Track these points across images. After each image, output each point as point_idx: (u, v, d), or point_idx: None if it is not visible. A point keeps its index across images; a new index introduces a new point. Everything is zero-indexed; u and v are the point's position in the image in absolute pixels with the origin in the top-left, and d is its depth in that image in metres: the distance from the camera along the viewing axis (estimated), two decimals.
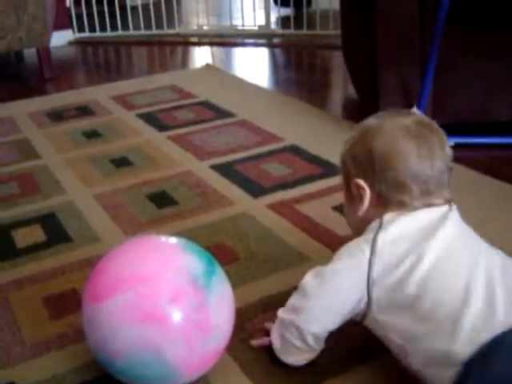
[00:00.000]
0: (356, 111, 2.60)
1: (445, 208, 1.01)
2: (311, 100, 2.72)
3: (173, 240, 1.11)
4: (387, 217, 1.01)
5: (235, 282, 1.26)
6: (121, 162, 2.11)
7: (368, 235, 1.01)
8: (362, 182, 1.05)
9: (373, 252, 0.97)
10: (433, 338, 0.90)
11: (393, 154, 1.01)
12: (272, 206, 1.73)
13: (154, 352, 0.96)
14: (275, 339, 1.09)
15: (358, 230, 1.08)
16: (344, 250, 1.03)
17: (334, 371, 1.09)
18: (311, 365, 1.09)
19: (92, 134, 2.40)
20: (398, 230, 0.98)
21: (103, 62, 3.99)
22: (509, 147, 2.08)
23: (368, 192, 1.04)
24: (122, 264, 1.03)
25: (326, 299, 1.01)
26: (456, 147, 2.04)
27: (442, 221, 0.99)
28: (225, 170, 2.00)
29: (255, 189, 1.85)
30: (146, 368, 0.98)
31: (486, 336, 0.85)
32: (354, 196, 1.08)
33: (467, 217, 1.54)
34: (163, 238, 1.12)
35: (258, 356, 1.14)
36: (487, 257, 0.96)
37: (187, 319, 0.97)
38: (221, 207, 1.75)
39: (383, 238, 0.98)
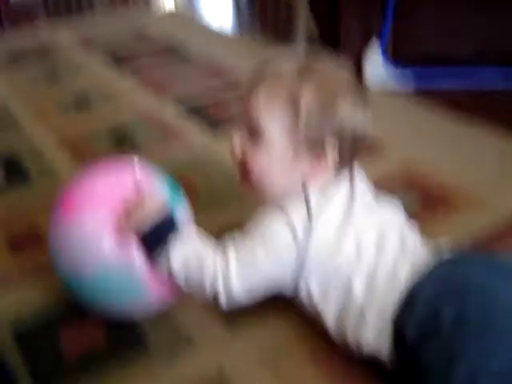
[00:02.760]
0: (319, 50, 2.58)
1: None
2: (274, 41, 2.70)
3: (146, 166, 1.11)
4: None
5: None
6: (81, 101, 2.10)
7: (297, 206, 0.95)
8: None
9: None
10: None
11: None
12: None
13: (125, 265, 0.98)
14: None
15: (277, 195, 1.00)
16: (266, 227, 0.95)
17: None
18: None
19: (52, 74, 2.38)
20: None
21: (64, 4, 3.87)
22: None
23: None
24: (98, 181, 1.04)
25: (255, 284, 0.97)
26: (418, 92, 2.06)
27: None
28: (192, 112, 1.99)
29: (213, 124, 1.87)
30: (114, 282, 0.99)
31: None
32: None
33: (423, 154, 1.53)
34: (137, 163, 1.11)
35: None
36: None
37: None
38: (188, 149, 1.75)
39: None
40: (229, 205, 1.42)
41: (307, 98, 0.92)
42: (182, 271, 0.97)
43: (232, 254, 0.95)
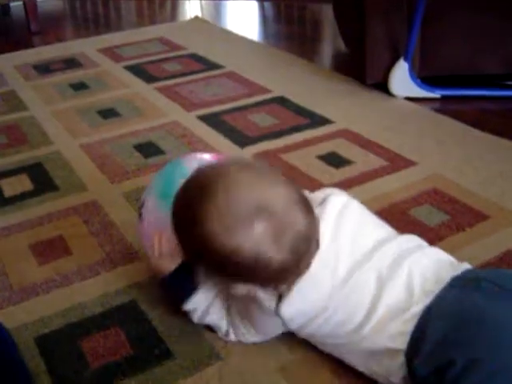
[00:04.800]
0: (345, 63, 2.59)
1: None
2: (300, 53, 2.70)
3: None
4: None
5: None
6: (108, 114, 2.11)
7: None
8: None
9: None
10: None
11: None
12: (258, 156, 1.74)
13: None
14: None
15: None
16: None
17: None
18: None
19: (79, 86, 2.39)
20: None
21: (91, 15, 3.94)
22: (497, 100, 2.08)
23: None
24: None
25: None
26: (443, 100, 2.08)
27: None
28: (211, 120, 2.00)
29: (241, 138, 1.86)
30: None
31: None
32: None
33: (451, 167, 1.58)
34: None
35: None
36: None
37: None
38: None
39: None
40: None
41: None
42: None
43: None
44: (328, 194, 0.99)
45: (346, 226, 0.94)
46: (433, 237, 1.34)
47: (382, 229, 1.01)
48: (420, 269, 0.92)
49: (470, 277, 0.91)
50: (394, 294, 0.90)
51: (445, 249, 1.27)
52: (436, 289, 0.89)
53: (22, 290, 1.25)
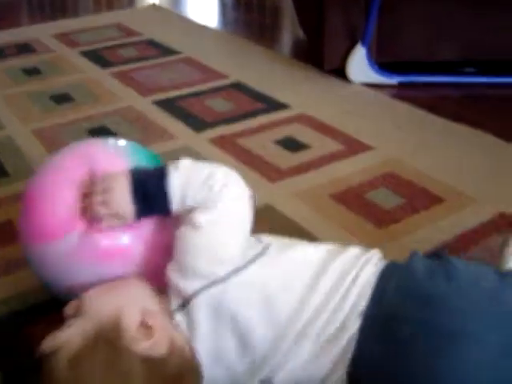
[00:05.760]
0: (303, 51, 2.58)
1: None
2: (259, 40, 2.68)
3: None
4: None
5: None
6: (61, 98, 2.06)
7: None
8: None
9: None
10: None
11: None
12: (214, 140, 1.72)
13: None
14: None
15: None
16: None
17: None
18: None
19: (33, 71, 2.33)
20: None
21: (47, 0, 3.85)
22: (454, 86, 2.09)
23: None
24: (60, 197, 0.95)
25: None
26: (400, 86, 2.08)
27: None
28: (167, 105, 1.97)
29: (197, 123, 1.84)
30: None
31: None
32: None
33: (408, 152, 1.58)
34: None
35: None
36: None
37: None
38: (162, 141, 1.73)
39: None
40: None
41: None
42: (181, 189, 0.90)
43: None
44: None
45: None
46: (388, 219, 1.34)
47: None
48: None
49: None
50: None
51: (400, 231, 1.29)
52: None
53: None
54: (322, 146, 1.68)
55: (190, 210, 0.88)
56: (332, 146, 1.68)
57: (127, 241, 0.94)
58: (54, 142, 1.75)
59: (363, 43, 2.04)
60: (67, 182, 0.95)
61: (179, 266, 0.87)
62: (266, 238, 0.94)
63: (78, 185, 0.94)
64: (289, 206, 1.42)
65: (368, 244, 1.02)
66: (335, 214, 1.37)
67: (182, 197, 0.89)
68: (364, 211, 1.37)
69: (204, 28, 2.90)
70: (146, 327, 0.81)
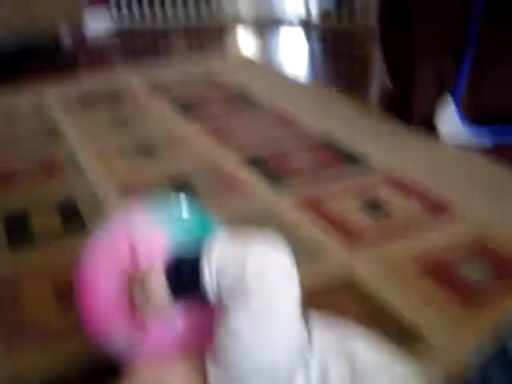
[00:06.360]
0: (391, 102, 2.51)
1: None
2: (347, 91, 2.65)
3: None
4: None
5: None
6: (147, 151, 2.08)
7: None
8: None
9: None
10: None
11: None
12: (296, 203, 1.67)
13: None
14: None
15: None
16: None
17: None
18: None
19: (121, 122, 2.38)
20: None
21: (141, 49, 3.94)
22: None
23: None
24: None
25: None
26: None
27: None
28: (253, 162, 1.95)
29: (281, 183, 1.80)
30: None
31: None
32: None
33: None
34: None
35: None
36: None
37: None
38: (245, 201, 1.71)
39: None
40: None
41: None
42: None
43: None
44: None
45: None
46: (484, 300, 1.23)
47: None
48: None
49: None
50: None
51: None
52: None
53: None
54: (405, 211, 1.60)
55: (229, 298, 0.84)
56: (417, 211, 1.59)
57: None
58: (134, 194, 1.75)
59: (453, 97, 1.96)
60: (114, 270, 0.95)
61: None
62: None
63: (123, 274, 0.93)
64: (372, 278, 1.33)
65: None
66: (421, 288, 1.28)
67: (216, 287, 0.85)
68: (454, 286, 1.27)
69: (292, 80, 2.91)
70: None
